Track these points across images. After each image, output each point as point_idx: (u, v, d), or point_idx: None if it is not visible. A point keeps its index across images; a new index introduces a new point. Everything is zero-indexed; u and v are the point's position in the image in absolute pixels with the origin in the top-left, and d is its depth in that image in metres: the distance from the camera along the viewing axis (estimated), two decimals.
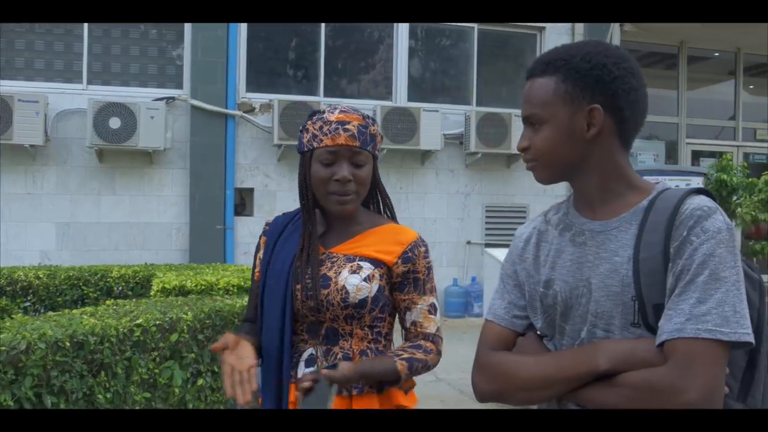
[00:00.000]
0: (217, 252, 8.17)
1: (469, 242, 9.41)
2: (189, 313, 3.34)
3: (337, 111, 1.83)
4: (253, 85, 8.73)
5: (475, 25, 9.53)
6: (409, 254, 1.84)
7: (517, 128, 8.53)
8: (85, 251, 7.93)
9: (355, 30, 9.27)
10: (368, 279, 1.80)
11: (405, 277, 1.85)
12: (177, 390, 3.19)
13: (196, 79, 8.29)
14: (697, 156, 11.31)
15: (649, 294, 1.26)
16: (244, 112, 8.51)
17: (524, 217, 9.45)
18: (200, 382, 3.37)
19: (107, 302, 3.57)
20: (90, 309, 3.27)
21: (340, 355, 1.80)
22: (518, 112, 1.43)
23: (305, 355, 1.83)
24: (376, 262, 1.83)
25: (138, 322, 3.01)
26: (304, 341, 1.85)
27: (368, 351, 1.81)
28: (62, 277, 5.31)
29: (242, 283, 4.58)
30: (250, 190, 8.63)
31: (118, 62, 8.39)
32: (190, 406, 3.36)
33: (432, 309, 1.86)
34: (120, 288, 5.25)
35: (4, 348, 2.29)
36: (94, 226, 8.03)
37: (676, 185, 6.71)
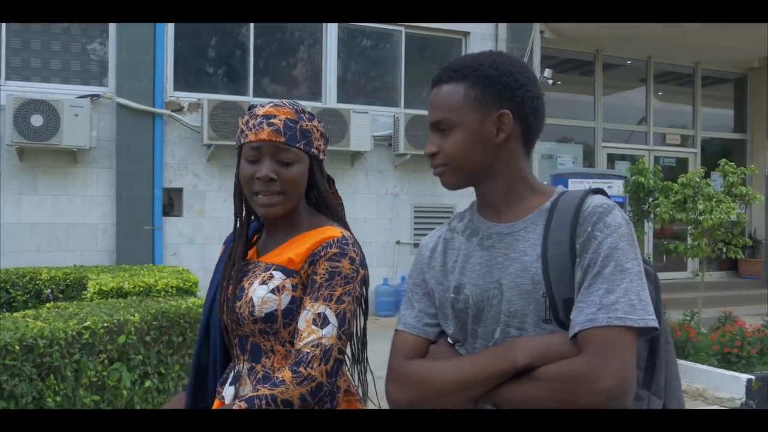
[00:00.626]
0: (145, 253, 8.01)
1: (398, 242, 9.58)
2: (136, 314, 3.32)
3: (269, 105, 1.67)
4: (181, 83, 8.60)
5: (403, 28, 9.69)
6: (315, 256, 1.61)
7: None
8: (6, 253, 7.62)
9: (284, 30, 9.28)
10: (277, 290, 1.61)
11: (308, 281, 1.61)
12: (125, 392, 3.17)
13: (122, 77, 8.10)
14: (612, 159, 11.87)
15: (559, 289, 1.31)
16: (172, 111, 8.38)
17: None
18: (147, 383, 3.36)
19: (47, 305, 3.50)
20: (32, 312, 3.22)
21: (261, 374, 1.64)
22: None
23: (232, 373, 1.71)
24: (288, 271, 1.63)
25: (86, 324, 2.99)
26: (237, 356, 1.71)
27: None
28: None
29: (181, 284, 4.56)
30: (179, 190, 8.50)
31: (39, 57, 8.11)
32: (138, 408, 3.35)
33: (319, 319, 1.54)
34: (50, 290, 5.11)
35: None
36: (15, 227, 7.74)
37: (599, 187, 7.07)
